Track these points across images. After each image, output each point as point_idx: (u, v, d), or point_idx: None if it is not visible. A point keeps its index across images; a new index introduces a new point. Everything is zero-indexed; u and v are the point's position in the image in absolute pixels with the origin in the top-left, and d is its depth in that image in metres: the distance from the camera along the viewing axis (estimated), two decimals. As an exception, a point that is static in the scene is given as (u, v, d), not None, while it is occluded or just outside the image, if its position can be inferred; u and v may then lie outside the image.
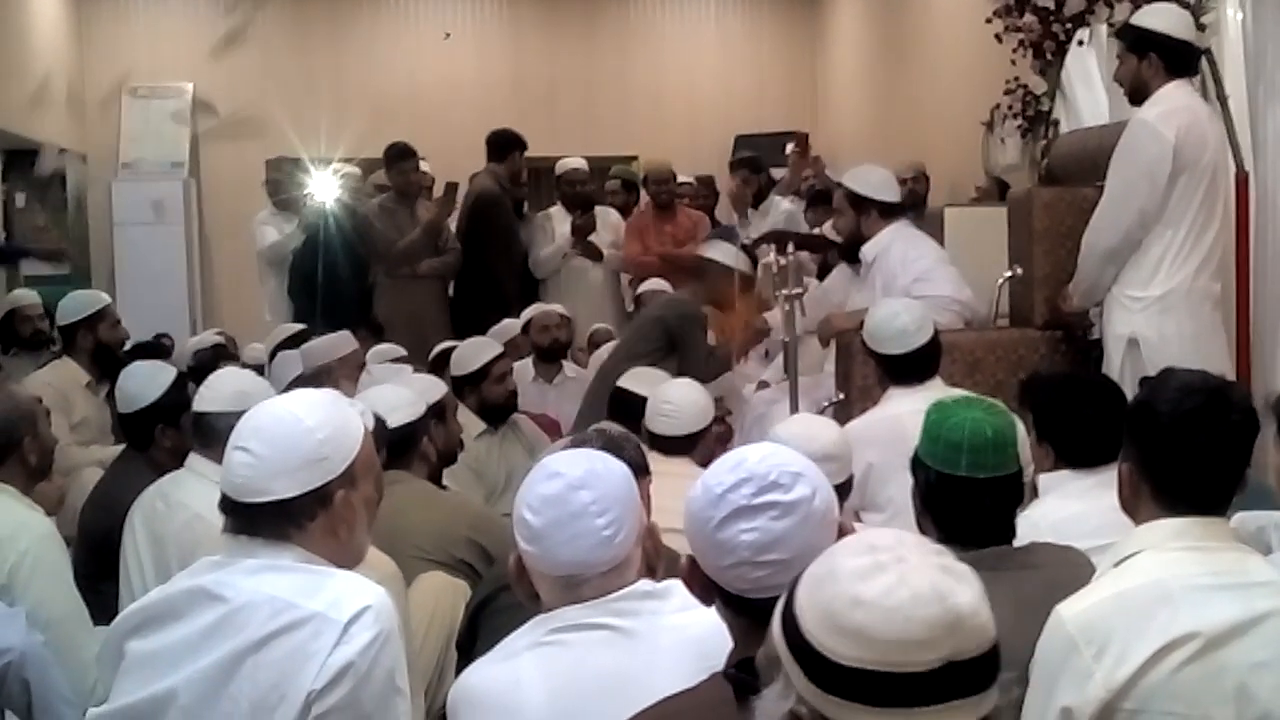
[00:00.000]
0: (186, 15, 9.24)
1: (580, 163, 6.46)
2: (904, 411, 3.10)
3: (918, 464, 2.05)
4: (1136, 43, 3.60)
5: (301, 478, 1.72)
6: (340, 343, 4.18)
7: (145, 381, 3.18)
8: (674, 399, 3.22)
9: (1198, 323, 3.56)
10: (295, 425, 1.73)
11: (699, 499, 1.46)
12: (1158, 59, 3.54)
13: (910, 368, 3.39)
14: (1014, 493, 2.06)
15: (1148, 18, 3.66)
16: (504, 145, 6.13)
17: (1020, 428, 2.12)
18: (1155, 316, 3.52)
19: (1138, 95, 3.62)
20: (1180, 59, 3.56)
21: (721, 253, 4.56)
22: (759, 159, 6.58)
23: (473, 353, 4.19)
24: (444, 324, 5.87)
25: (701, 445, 3.20)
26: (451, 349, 4.82)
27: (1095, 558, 1.99)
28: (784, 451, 1.50)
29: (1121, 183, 3.54)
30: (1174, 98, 3.54)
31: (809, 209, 6.11)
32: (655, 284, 5.57)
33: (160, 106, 9.02)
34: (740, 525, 1.42)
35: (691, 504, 1.47)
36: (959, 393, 2.48)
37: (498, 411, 4.09)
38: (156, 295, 7.97)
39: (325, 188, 6.32)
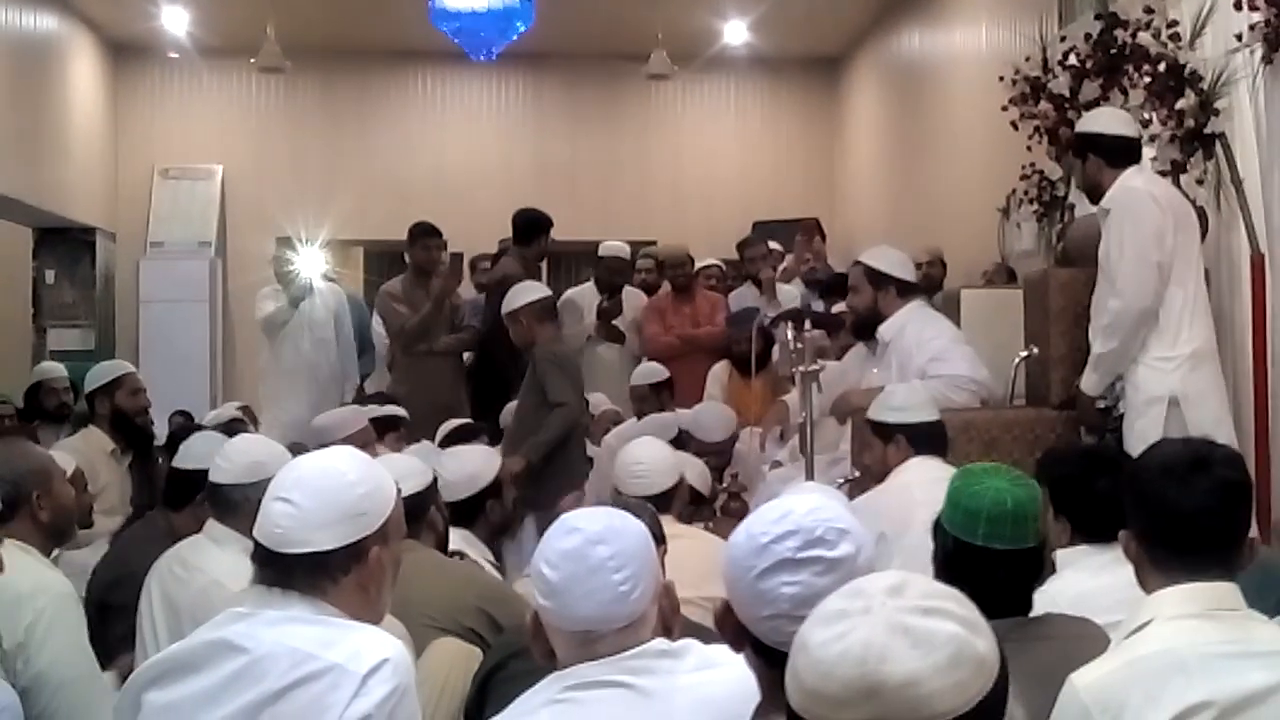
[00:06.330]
0: (218, 100, 9.49)
1: (624, 248, 6.56)
2: (915, 480, 3.14)
3: (938, 529, 2.05)
4: (1079, 147, 3.85)
5: (341, 531, 1.75)
6: (349, 419, 4.16)
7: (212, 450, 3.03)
8: (642, 458, 3.25)
9: (1219, 378, 3.68)
10: (338, 479, 1.77)
11: (741, 546, 1.46)
12: (1095, 157, 3.76)
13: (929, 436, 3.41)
14: (1031, 567, 2.05)
15: (1085, 123, 3.91)
16: (531, 229, 6.21)
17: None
18: (1190, 374, 3.58)
19: (1094, 194, 3.81)
20: (1118, 153, 3.74)
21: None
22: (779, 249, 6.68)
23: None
24: (459, 400, 5.90)
25: (676, 501, 3.23)
26: (461, 426, 4.83)
27: (1113, 633, 1.97)
28: (831, 506, 1.50)
29: (1134, 245, 3.60)
30: (1136, 175, 3.71)
31: (823, 296, 6.13)
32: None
33: (190, 188, 9.23)
34: (782, 578, 1.41)
35: (733, 550, 1.47)
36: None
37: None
38: (179, 370, 8.06)
39: (314, 265, 6.44)
